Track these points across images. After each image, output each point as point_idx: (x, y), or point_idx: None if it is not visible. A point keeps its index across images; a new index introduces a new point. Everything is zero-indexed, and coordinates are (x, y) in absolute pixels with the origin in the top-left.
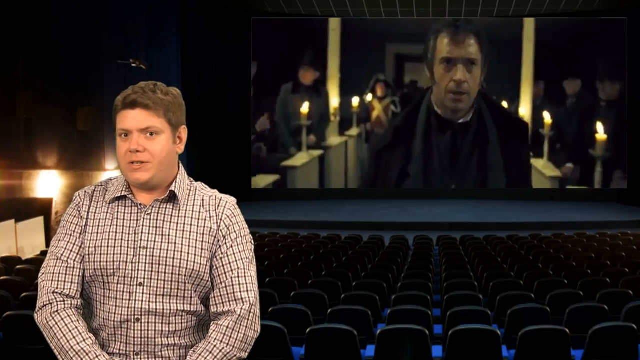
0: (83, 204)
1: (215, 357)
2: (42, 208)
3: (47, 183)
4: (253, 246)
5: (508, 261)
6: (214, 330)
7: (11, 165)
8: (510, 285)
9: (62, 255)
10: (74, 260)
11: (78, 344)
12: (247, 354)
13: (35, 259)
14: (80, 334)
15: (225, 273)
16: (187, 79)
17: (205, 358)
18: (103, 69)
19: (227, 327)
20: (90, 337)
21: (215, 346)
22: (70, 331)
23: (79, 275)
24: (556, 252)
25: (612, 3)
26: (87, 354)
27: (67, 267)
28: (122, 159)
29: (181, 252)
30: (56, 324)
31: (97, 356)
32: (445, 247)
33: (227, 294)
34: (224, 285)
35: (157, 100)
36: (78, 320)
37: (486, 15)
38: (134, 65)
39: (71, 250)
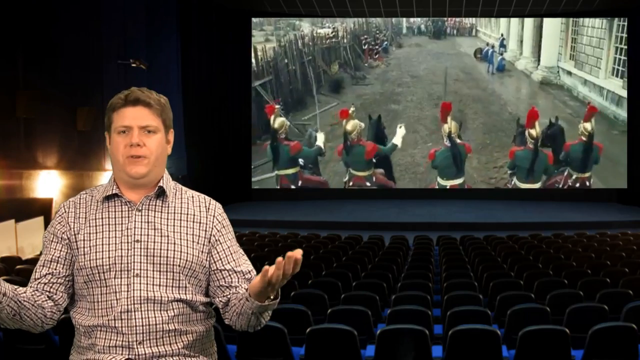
0: (69, 214)
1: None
2: (42, 208)
3: (47, 183)
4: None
5: (508, 261)
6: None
7: (11, 165)
8: (510, 285)
9: (48, 269)
10: (60, 273)
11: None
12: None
13: (35, 259)
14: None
15: (234, 260)
16: (187, 79)
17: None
18: (103, 69)
19: None
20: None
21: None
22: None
23: (65, 284)
24: (556, 252)
25: (612, 3)
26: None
27: (55, 280)
28: (120, 154)
29: (174, 244)
30: None
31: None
32: (445, 247)
33: (243, 279)
34: (237, 276)
35: (156, 101)
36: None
37: (486, 15)
38: (134, 65)
39: (57, 262)
